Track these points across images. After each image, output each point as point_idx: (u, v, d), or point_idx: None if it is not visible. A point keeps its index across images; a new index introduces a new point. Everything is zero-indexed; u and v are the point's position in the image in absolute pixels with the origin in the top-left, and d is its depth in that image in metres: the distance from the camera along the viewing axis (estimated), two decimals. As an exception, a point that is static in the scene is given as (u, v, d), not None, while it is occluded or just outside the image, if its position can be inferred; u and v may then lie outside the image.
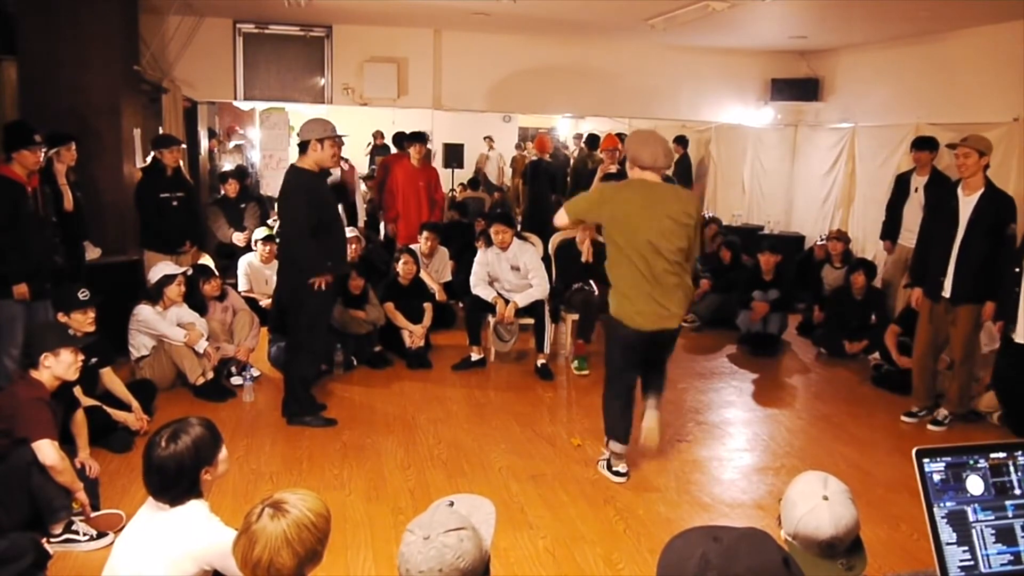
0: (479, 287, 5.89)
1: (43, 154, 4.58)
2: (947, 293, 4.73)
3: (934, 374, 5.05)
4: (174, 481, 2.19)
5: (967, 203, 4.64)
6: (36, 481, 3.14)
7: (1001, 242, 4.58)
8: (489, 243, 5.98)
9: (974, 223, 4.59)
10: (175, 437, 2.22)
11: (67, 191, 5.11)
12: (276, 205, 5.44)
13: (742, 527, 1.38)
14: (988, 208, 4.58)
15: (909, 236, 6.22)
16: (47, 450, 3.15)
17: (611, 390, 4.02)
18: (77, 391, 4.07)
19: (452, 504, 1.79)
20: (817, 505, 1.79)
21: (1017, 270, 4.34)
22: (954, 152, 4.69)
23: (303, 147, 4.44)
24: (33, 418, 3.17)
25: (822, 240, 7.93)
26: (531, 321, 5.97)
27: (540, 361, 5.86)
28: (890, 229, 6.54)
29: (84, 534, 3.22)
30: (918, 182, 6.26)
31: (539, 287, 5.84)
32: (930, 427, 4.94)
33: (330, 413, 4.82)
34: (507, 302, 5.81)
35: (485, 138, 14.16)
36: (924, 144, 6.26)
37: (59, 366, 3.35)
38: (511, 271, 5.92)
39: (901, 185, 6.45)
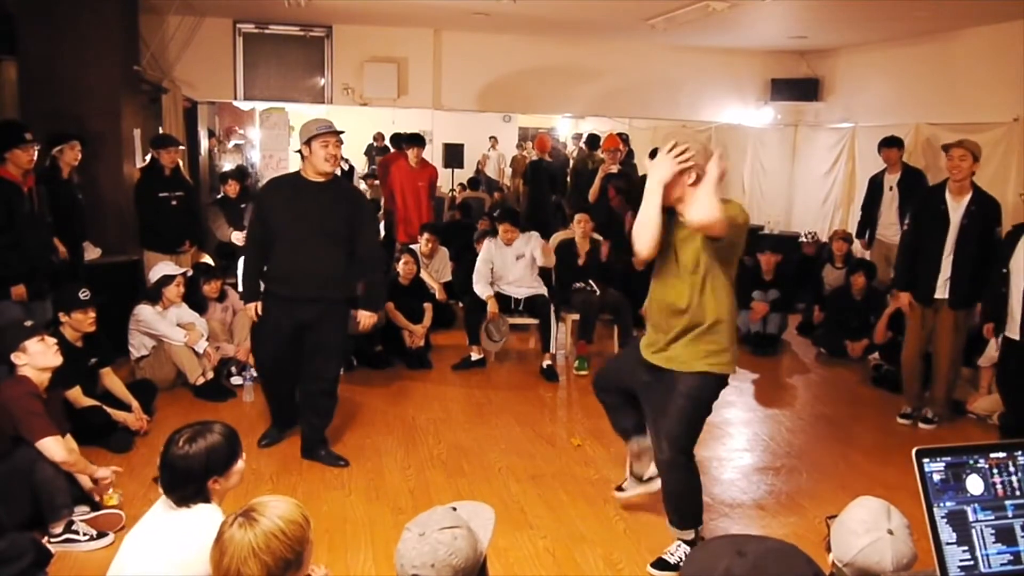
0: (479, 284, 5.90)
1: (36, 152, 4.57)
2: (943, 296, 4.76)
3: (924, 374, 5.07)
4: (181, 483, 2.21)
5: (956, 207, 4.66)
6: (39, 478, 3.14)
7: (990, 245, 4.63)
8: (492, 235, 6.02)
9: (967, 228, 4.63)
10: (192, 439, 2.23)
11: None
12: None
13: (769, 540, 1.32)
14: (978, 213, 4.62)
15: (886, 233, 6.65)
16: (53, 448, 3.16)
17: (693, 463, 3.19)
18: (77, 391, 4.09)
19: (455, 509, 1.80)
20: (881, 539, 1.75)
21: (1004, 271, 4.37)
22: (948, 154, 4.67)
23: (302, 156, 3.99)
24: (27, 415, 3.17)
25: (808, 237, 8.16)
26: (527, 321, 6.00)
27: (546, 362, 5.80)
28: (864, 228, 6.97)
29: (84, 534, 3.22)
30: (891, 180, 6.58)
31: (540, 258, 5.95)
32: (921, 425, 4.97)
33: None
34: (506, 300, 5.82)
35: (490, 138, 14.18)
36: (893, 142, 6.57)
37: (35, 358, 3.33)
38: (515, 261, 5.93)
39: (874, 186, 6.81)
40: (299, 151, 3.97)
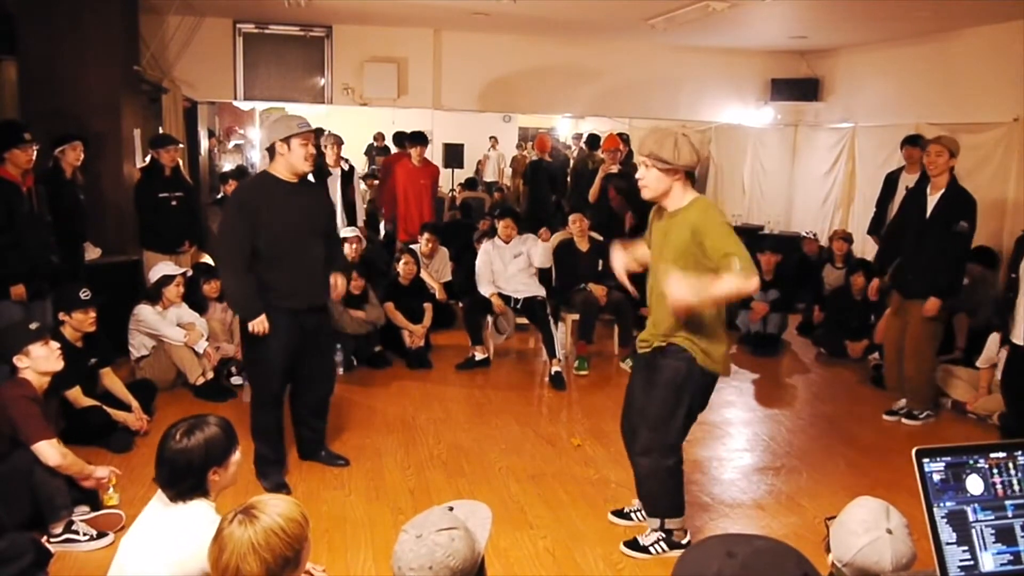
0: (483, 284, 5.91)
1: (35, 151, 4.57)
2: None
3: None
4: (182, 476, 2.21)
5: (931, 201, 4.75)
6: (37, 479, 3.15)
7: (950, 238, 4.65)
8: (491, 236, 6.02)
9: (933, 219, 4.70)
10: (189, 433, 2.23)
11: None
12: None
13: (759, 540, 1.32)
14: (946, 206, 4.68)
15: None
16: (47, 452, 3.16)
17: (676, 455, 3.20)
18: (77, 391, 4.09)
19: (451, 509, 1.80)
20: (880, 538, 1.76)
21: (1014, 276, 4.37)
22: (926, 149, 4.80)
23: (271, 153, 3.64)
24: (24, 418, 3.17)
25: (809, 235, 8.21)
26: (527, 321, 5.98)
27: (555, 369, 5.66)
28: (876, 225, 6.82)
29: (84, 534, 3.22)
30: (908, 180, 6.40)
31: (538, 259, 5.95)
32: (904, 421, 4.99)
33: (330, 413, 4.78)
34: (506, 300, 5.83)
35: (491, 138, 14.19)
36: (915, 140, 6.43)
37: (37, 362, 3.33)
38: (512, 259, 5.94)
39: (889, 184, 6.69)
40: (269, 148, 3.65)
